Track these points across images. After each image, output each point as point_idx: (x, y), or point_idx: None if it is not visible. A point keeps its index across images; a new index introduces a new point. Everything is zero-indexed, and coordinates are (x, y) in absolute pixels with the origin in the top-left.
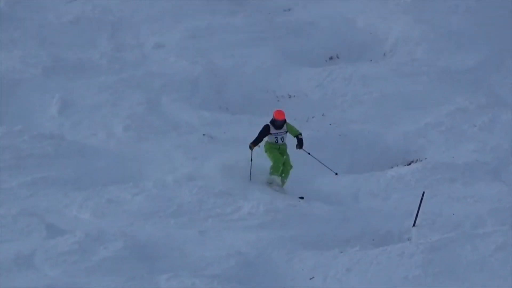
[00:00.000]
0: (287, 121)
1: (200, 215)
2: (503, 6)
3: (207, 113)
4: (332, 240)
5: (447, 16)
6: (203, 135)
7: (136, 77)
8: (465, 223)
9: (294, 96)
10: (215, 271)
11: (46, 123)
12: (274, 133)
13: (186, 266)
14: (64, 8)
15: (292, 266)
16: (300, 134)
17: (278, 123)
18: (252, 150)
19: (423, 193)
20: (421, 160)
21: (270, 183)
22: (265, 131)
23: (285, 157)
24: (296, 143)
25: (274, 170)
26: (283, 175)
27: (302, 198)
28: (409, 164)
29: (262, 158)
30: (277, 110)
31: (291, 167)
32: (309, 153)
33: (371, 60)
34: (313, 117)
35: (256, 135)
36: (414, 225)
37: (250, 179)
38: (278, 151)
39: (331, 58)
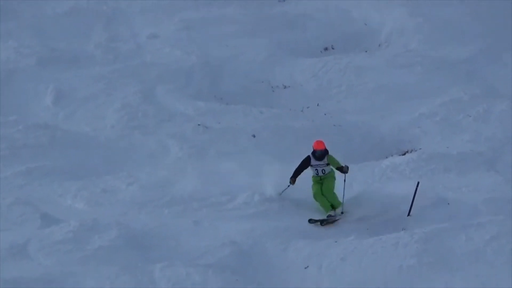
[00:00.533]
0: (329, 153)
1: (194, 205)
2: None
3: (201, 103)
4: (326, 229)
5: (442, 7)
6: (198, 125)
7: (130, 67)
8: (459, 213)
9: (289, 86)
10: (210, 261)
11: (41, 113)
12: (315, 164)
13: (180, 255)
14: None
15: (287, 256)
16: (343, 166)
17: (318, 154)
18: (290, 184)
19: (418, 183)
20: (415, 150)
21: (331, 218)
22: (304, 163)
23: (324, 188)
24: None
25: (322, 204)
26: (331, 205)
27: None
28: (404, 154)
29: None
30: (317, 141)
31: (330, 190)
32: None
33: (366, 51)
34: (308, 107)
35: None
36: (408, 214)
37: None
38: (318, 184)
39: (326, 49)
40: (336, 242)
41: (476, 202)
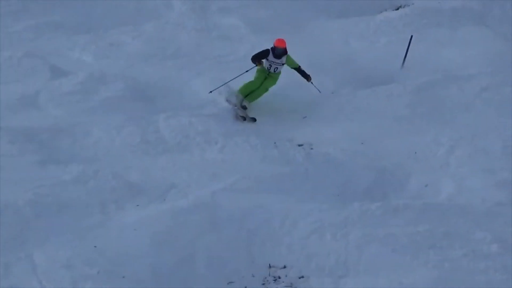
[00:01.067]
0: (288, 53)
1: (197, 58)
2: None
3: None
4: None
5: None
6: None
7: None
8: (451, 65)
9: None
10: (212, 111)
11: None
12: (271, 60)
13: (183, 106)
14: None
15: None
16: (299, 67)
17: (277, 52)
18: (256, 65)
19: (411, 36)
20: (408, 6)
21: (229, 99)
22: (264, 52)
23: (264, 84)
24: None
25: (242, 88)
26: (246, 96)
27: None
28: (397, 9)
29: None
30: (278, 39)
31: (265, 90)
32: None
33: None
34: None
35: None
36: (402, 66)
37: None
38: (263, 77)
39: None
40: (332, 93)
41: (467, 56)
